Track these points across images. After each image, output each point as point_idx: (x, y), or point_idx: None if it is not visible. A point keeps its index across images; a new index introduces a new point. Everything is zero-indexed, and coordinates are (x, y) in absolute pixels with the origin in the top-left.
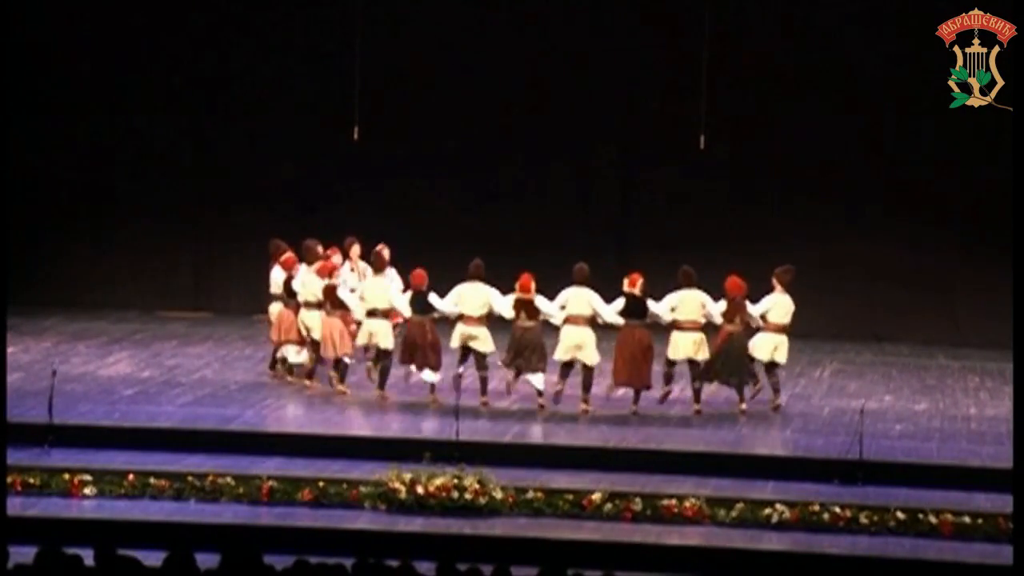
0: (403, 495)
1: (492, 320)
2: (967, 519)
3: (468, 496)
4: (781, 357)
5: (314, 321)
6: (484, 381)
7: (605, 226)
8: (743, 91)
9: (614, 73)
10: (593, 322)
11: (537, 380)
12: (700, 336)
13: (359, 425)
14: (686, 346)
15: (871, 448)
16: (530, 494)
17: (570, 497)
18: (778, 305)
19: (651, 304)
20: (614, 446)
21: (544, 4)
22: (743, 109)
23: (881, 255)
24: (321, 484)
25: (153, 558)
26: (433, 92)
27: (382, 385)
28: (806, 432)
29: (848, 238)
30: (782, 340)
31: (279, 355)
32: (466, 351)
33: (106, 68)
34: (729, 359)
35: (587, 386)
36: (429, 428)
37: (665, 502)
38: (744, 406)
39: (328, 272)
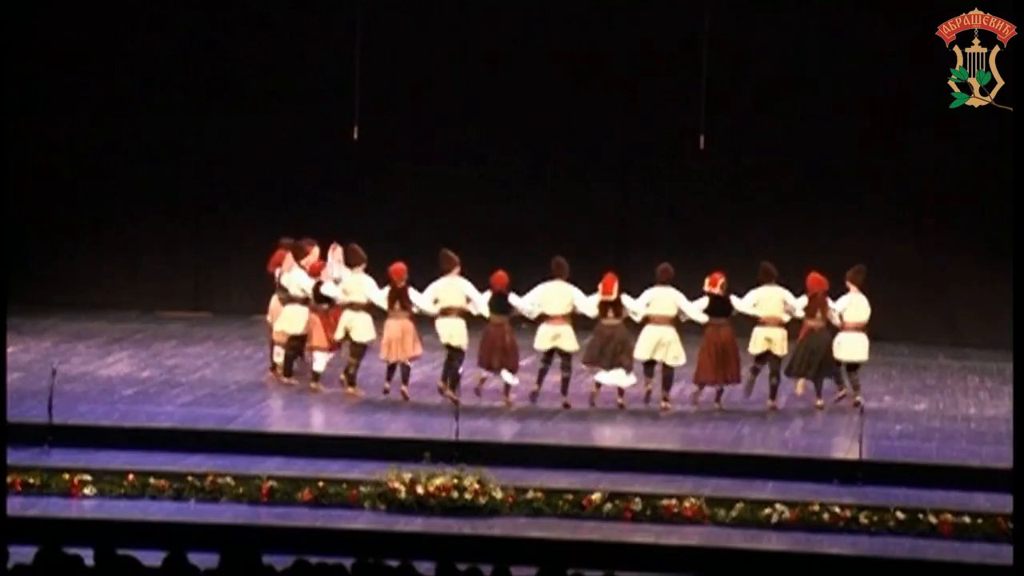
0: (403, 495)
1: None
2: (967, 519)
3: (468, 496)
4: (863, 355)
5: (359, 321)
6: (566, 382)
7: (604, 224)
8: (742, 91)
9: (614, 73)
10: (676, 322)
11: (619, 378)
12: (782, 332)
13: (359, 425)
14: (767, 341)
15: (871, 448)
16: (530, 494)
17: (570, 497)
18: (854, 304)
19: (734, 301)
20: (614, 446)
21: (544, 2)
22: (742, 109)
23: (880, 255)
24: (321, 484)
25: (153, 558)
26: (432, 92)
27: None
28: (806, 432)
29: (847, 238)
30: (862, 338)
31: (306, 360)
32: (550, 352)
33: (104, 68)
34: (811, 354)
35: (668, 385)
36: (429, 428)
37: (665, 502)
38: (821, 402)
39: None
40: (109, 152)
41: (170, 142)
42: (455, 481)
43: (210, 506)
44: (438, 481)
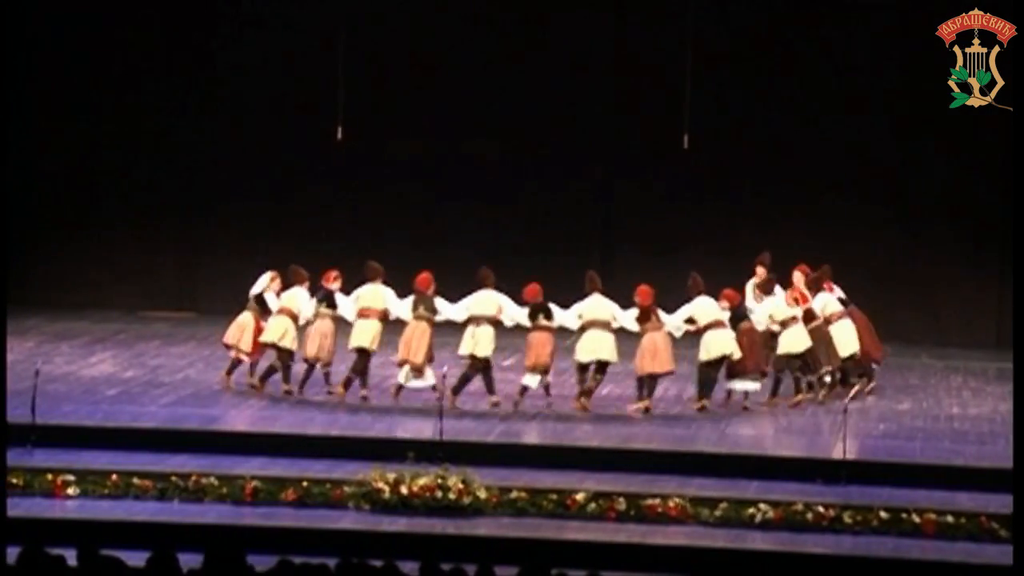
0: (387, 495)
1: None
2: (950, 518)
3: (452, 496)
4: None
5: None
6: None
7: (590, 226)
8: (727, 90)
9: (599, 73)
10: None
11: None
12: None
13: (343, 425)
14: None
15: (854, 448)
16: (514, 494)
17: (554, 497)
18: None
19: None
20: (598, 446)
21: (529, 1)
22: (727, 109)
23: (865, 255)
24: (305, 484)
25: (136, 558)
26: (416, 91)
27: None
28: (789, 432)
29: (832, 238)
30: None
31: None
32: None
33: (87, 69)
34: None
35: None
36: (413, 428)
37: (649, 502)
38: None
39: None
40: (92, 153)
41: (153, 143)
42: (439, 481)
43: (194, 506)
44: (422, 481)
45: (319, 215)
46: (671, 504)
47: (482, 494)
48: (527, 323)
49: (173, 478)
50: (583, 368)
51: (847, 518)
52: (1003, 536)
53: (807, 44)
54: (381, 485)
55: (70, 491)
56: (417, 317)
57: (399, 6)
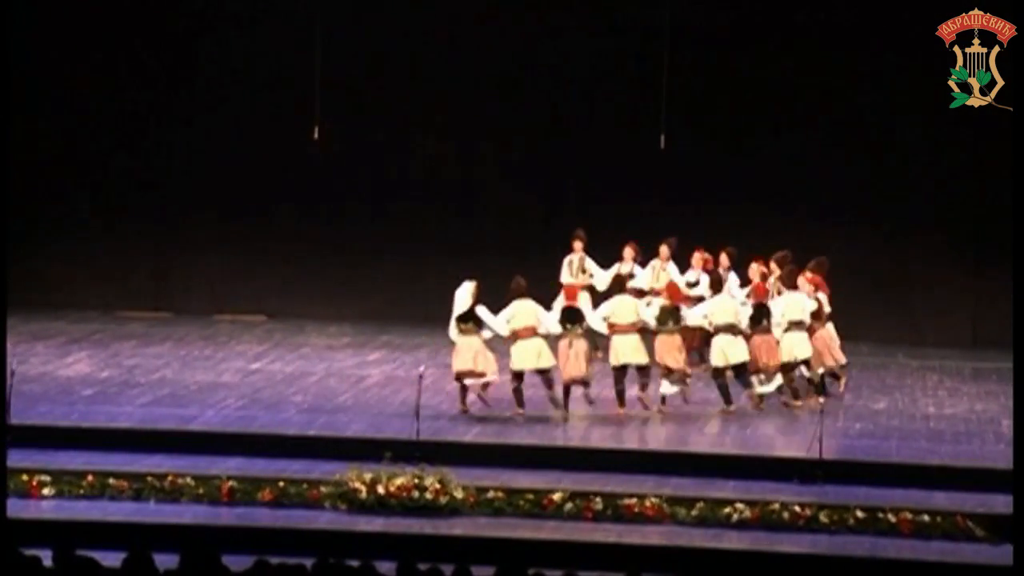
0: (364, 495)
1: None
2: (926, 517)
3: (429, 496)
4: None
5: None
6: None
7: (565, 226)
8: (704, 90)
9: (574, 73)
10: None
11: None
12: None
13: (319, 425)
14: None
15: (831, 447)
16: (491, 494)
17: (531, 497)
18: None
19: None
20: (575, 445)
21: (506, 3)
22: (704, 108)
23: (841, 254)
24: (281, 484)
25: (112, 559)
26: (393, 92)
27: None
28: (766, 431)
29: (808, 237)
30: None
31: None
32: (624, 366)
33: (63, 69)
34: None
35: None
36: (390, 428)
37: (626, 501)
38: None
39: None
40: (68, 153)
41: (129, 143)
42: (416, 481)
43: (170, 506)
44: (399, 481)
45: (296, 217)
46: (648, 504)
47: (459, 494)
48: (558, 331)
49: (149, 478)
50: (619, 371)
51: (823, 517)
52: (979, 535)
53: (791, 40)
54: (358, 485)
55: (45, 491)
56: (462, 332)
57: (375, 6)
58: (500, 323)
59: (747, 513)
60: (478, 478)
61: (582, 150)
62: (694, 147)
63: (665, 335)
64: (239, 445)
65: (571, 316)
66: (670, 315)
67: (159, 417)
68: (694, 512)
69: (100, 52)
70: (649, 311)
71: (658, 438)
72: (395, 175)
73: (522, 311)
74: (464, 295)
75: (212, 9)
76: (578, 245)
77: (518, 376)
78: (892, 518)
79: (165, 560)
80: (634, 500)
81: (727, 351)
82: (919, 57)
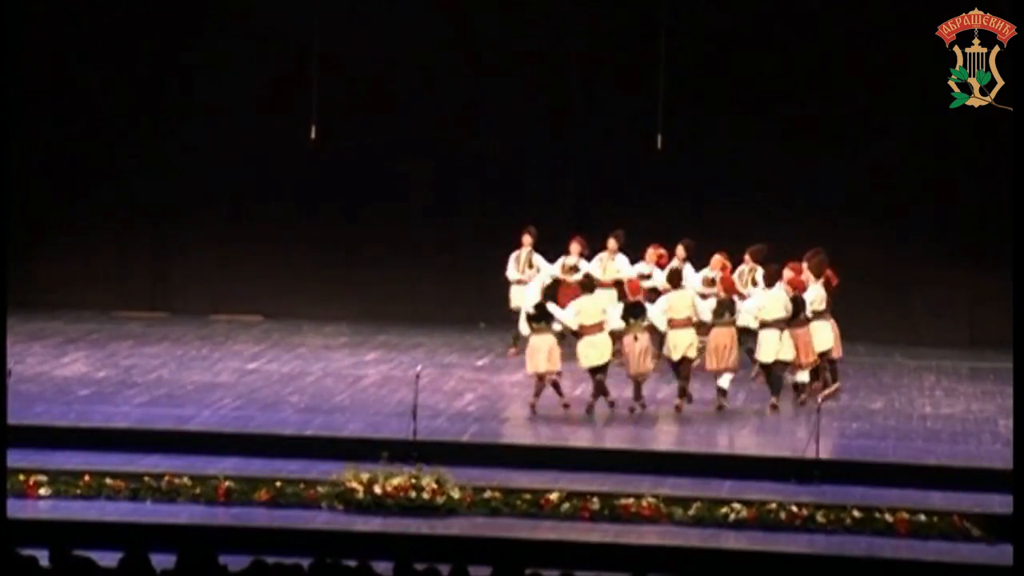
0: (360, 495)
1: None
2: (923, 517)
3: (426, 496)
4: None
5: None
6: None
7: (564, 224)
8: (701, 89)
9: (571, 71)
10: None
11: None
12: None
13: (316, 425)
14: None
15: (827, 447)
16: (488, 494)
17: (528, 497)
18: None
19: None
20: (572, 446)
21: (505, 2)
22: (701, 108)
23: (838, 253)
24: (278, 484)
25: (109, 559)
26: (390, 91)
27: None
28: (763, 431)
29: (806, 237)
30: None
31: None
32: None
33: (59, 71)
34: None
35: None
36: (387, 428)
37: (622, 501)
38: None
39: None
40: (66, 154)
41: (127, 144)
42: (413, 481)
43: (167, 506)
44: (396, 481)
45: (293, 217)
46: (645, 504)
47: (456, 494)
48: (621, 326)
49: (146, 478)
50: (677, 365)
51: (820, 517)
52: (975, 535)
53: (790, 40)
54: (355, 485)
55: (42, 491)
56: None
57: (371, 6)
58: (569, 317)
59: (744, 513)
60: (475, 478)
61: (580, 150)
62: (692, 147)
63: (722, 327)
64: (236, 445)
65: (634, 311)
66: (727, 308)
67: (156, 417)
68: (691, 512)
69: (98, 52)
70: (706, 304)
71: (655, 438)
72: (392, 175)
73: (589, 306)
74: (535, 289)
75: (211, 9)
76: (527, 240)
77: (595, 371)
78: (889, 518)
79: (162, 560)
80: (631, 500)
81: (679, 344)
82: (919, 57)
